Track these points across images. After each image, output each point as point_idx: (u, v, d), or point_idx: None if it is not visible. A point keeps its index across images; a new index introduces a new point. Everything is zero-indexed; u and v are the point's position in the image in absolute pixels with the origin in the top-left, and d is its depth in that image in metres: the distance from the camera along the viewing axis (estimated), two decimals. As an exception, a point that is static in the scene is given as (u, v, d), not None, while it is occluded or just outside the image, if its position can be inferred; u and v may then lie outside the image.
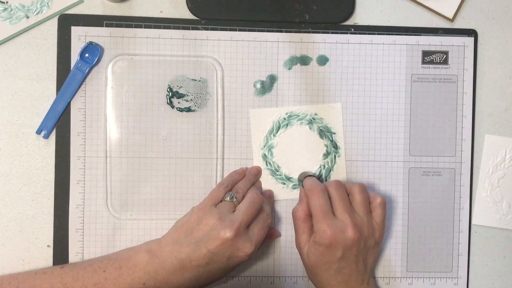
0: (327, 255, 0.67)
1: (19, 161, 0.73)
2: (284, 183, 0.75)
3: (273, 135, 0.75)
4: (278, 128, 0.75)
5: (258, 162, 0.75)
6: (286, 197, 0.75)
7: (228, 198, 0.70)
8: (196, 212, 0.68)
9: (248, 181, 0.74)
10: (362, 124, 0.76)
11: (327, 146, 0.76)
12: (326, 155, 0.76)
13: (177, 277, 0.65)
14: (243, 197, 0.71)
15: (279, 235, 0.76)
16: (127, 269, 0.65)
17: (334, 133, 0.76)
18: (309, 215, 0.70)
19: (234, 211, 0.68)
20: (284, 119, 0.75)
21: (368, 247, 0.69)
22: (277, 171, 0.75)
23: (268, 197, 0.75)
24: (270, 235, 0.75)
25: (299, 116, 0.75)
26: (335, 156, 0.76)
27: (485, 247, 0.78)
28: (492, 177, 0.77)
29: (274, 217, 0.76)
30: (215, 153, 0.75)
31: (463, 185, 0.77)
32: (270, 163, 0.75)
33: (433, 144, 0.77)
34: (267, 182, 0.75)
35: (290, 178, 0.75)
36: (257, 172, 0.75)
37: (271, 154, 0.75)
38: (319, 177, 0.75)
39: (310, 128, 0.75)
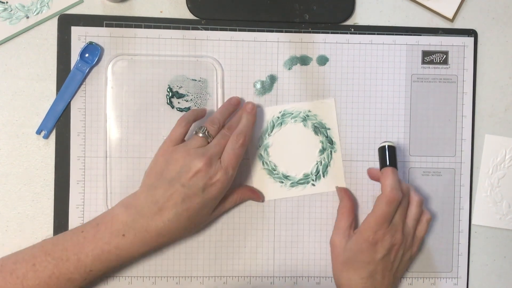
0: (368, 253, 0.68)
1: (19, 161, 0.73)
2: (282, 182, 0.75)
3: (268, 135, 0.75)
4: (273, 127, 0.75)
5: (254, 162, 0.75)
6: (285, 196, 0.75)
7: (200, 134, 0.68)
8: (161, 155, 0.67)
9: (227, 110, 0.71)
10: (362, 124, 0.76)
11: (322, 142, 0.76)
12: (322, 151, 0.76)
13: (156, 221, 0.64)
14: (220, 129, 0.69)
15: (260, 198, 0.75)
16: (104, 224, 0.65)
17: (329, 129, 0.75)
18: (353, 209, 0.73)
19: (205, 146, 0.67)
20: (278, 118, 0.75)
21: (404, 259, 0.71)
22: (274, 170, 0.75)
23: (248, 111, 0.71)
24: (252, 194, 0.74)
25: (292, 114, 0.75)
26: (331, 151, 0.76)
27: (485, 247, 0.78)
28: (492, 177, 0.77)
29: (273, 217, 0.76)
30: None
31: (463, 185, 0.77)
32: (266, 163, 0.75)
33: (433, 144, 0.77)
34: (264, 181, 0.75)
35: (288, 176, 0.75)
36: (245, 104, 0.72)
37: (267, 154, 0.75)
38: (316, 173, 0.75)
39: (305, 125, 0.75)
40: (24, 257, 0.65)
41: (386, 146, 0.71)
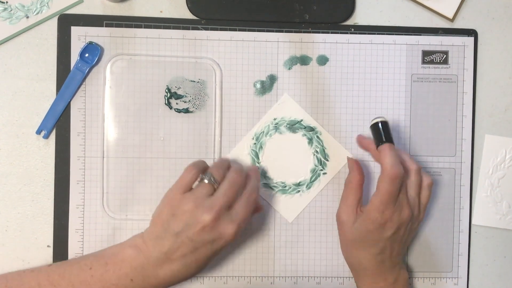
0: (377, 233, 0.67)
1: (19, 161, 0.73)
2: (299, 191, 0.76)
3: (258, 163, 0.75)
4: (257, 155, 0.75)
5: (264, 193, 0.75)
6: (311, 198, 0.76)
7: (206, 180, 0.65)
8: (168, 203, 0.65)
9: (226, 161, 0.70)
10: (362, 124, 0.76)
11: (305, 135, 0.75)
12: (310, 142, 0.75)
13: (164, 270, 0.64)
14: (223, 177, 0.66)
15: (262, 209, 0.73)
16: (113, 265, 0.64)
17: (301, 120, 0.75)
18: (362, 184, 0.70)
19: (212, 194, 0.65)
20: (255, 144, 0.75)
21: (412, 228, 0.70)
22: (285, 186, 0.75)
23: (254, 171, 0.70)
24: (254, 210, 0.71)
25: (263, 131, 0.75)
26: (317, 136, 0.75)
27: (485, 247, 0.78)
28: (492, 177, 0.77)
29: (274, 217, 0.76)
30: (212, 153, 0.75)
31: (463, 185, 0.77)
32: (275, 186, 0.75)
33: (433, 144, 0.77)
34: (286, 202, 0.76)
35: (300, 183, 0.75)
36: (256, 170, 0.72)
37: (269, 178, 0.75)
38: (320, 162, 0.75)
39: (280, 133, 0.75)
40: (29, 283, 0.64)
41: (380, 123, 0.69)
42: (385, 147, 0.67)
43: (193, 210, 0.63)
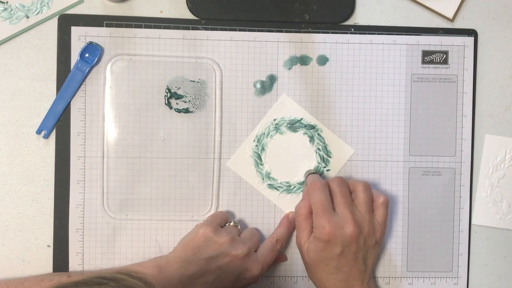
0: (326, 251, 0.67)
1: (19, 161, 0.73)
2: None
3: (261, 165, 0.75)
4: (259, 156, 0.75)
5: (269, 194, 0.75)
6: None
7: (232, 223, 0.72)
8: (203, 231, 0.68)
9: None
10: (362, 124, 0.76)
11: (306, 133, 0.75)
12: (312, 140, 0.75)
13: None
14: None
15: (285, 259, 0.76)
16: None
17: (301, 119, 0.75)
18: (311, 212, 0.70)
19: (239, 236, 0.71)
20: (257, 145, 0.75)
21: (368, 246, 0.69)
22: (290, 186, 0.75)
23: (286, 222, 0.75)
24: (277, 259, 0.74)
25: (264, 133, 0.75)
26: (318, 134, 0.75)
27: (485, 247, 0.78)
28: (492, 177, 0.77)
29: (274, 217, 0.76)
30: (212, 153, 0.75)
31: (463, 185, 0.77)
32: (280, 187, 0.75)
33: (433, 144, 0.77)
34: (291, 200, 0.75)
35: (304, 181, 0.75)
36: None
37: (274, 179, 0.75)
38: (322, 159, 0.75)
39: (281, 133, 0.75)
40: None
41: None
42: (309, 176, 0.72)
43: (229, 243, 0.67)
